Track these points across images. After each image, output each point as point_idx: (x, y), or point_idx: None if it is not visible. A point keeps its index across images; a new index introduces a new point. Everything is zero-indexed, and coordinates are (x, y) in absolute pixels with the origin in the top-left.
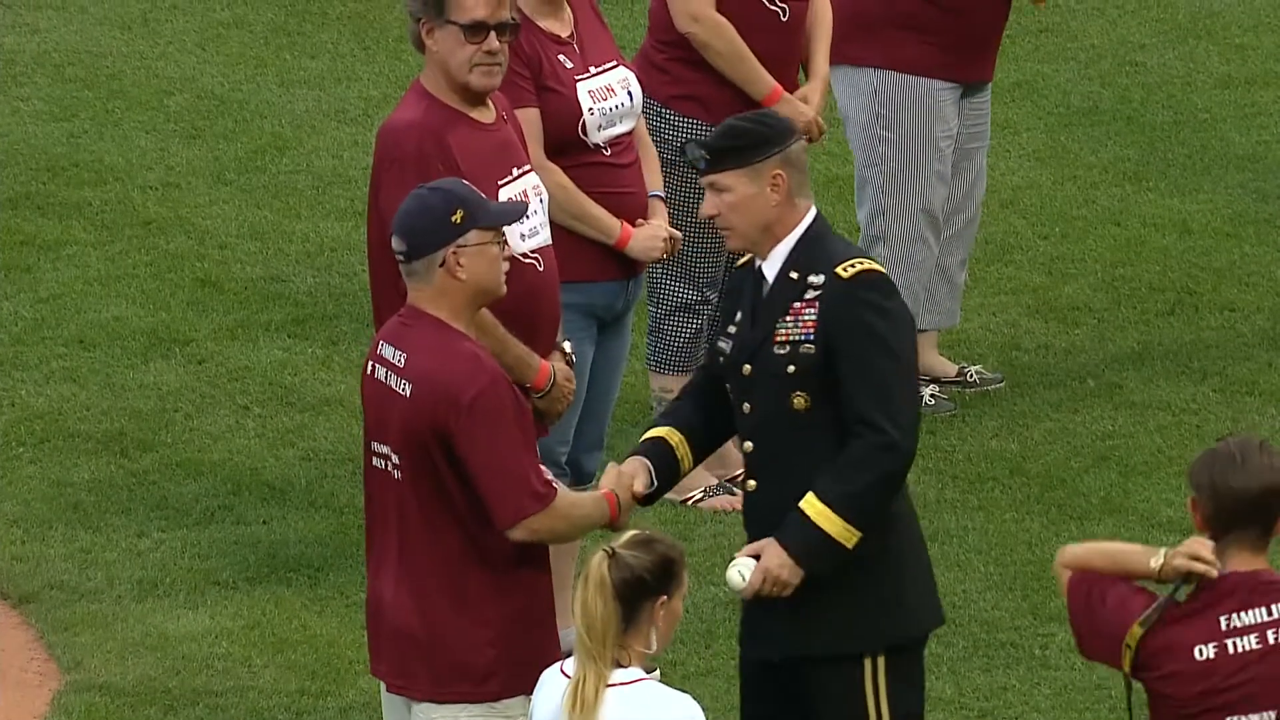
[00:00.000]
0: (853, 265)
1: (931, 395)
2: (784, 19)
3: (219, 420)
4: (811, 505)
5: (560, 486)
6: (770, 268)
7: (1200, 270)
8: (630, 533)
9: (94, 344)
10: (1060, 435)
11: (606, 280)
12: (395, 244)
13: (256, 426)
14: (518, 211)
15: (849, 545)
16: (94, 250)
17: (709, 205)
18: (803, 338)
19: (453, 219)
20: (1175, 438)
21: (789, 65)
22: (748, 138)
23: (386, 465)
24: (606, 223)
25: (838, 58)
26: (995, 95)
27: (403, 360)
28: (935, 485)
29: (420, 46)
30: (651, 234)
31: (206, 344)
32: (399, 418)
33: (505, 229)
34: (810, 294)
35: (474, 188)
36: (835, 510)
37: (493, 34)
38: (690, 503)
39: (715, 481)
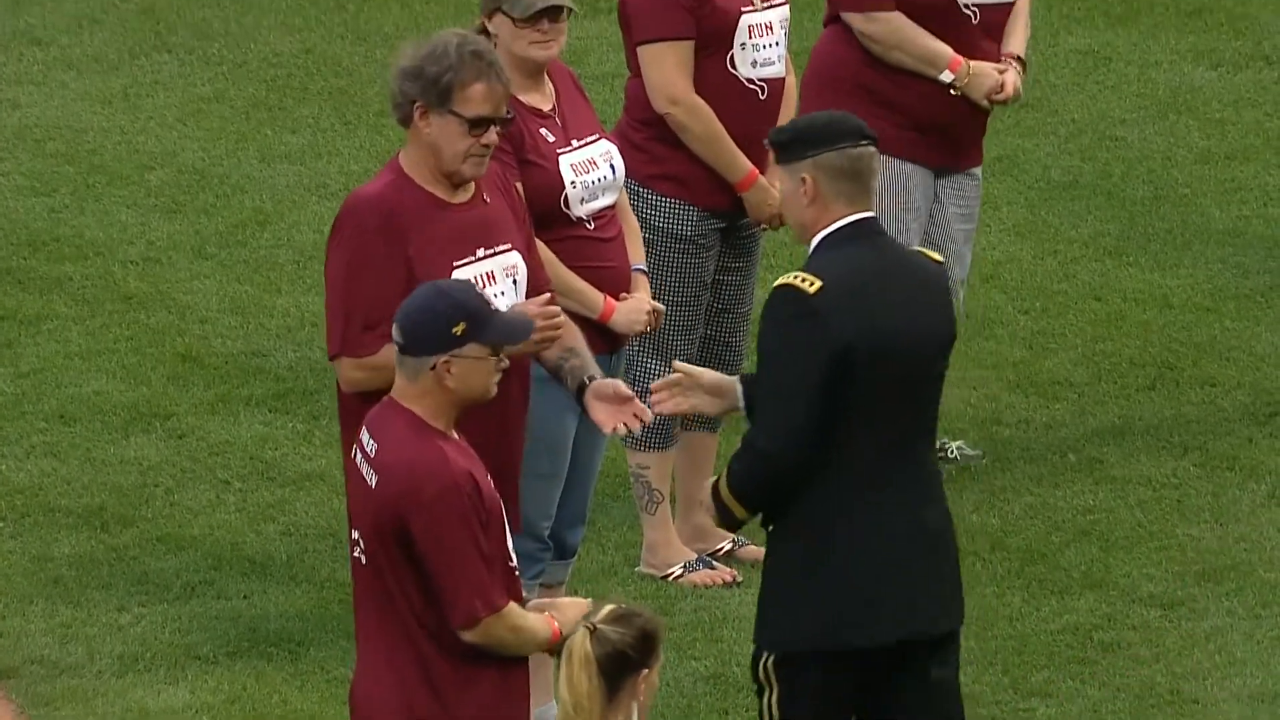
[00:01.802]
0: (783, 278)
1: (957, 448)
2: (762, 97)
3: (199, 495)
4: (722, 477)
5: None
6: None
7: (1181, 345)
8: (608, 607)
9: (74, 419)
10: (1041, 510)
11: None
12: (394, 332)
13: (237, 501)
14: (524, 332)
15: (737, 515)
16: (75, 325)
17: (779, 193)
18: None
19: (454, 330)
20: (1156, 512)
21: None
22: (785, 136)
23: (356, 551)
24: (589, 296)
25: None
26: None
27: (374, 450)
28: None
29: (406, 123)
30: (635, 307)
31: (187, 419)
32: (367, 507)
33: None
34: None
35: (486, 299)
36: (729, 478)
37: (493, 128)
38: (671, 578)
39: (695, 556)
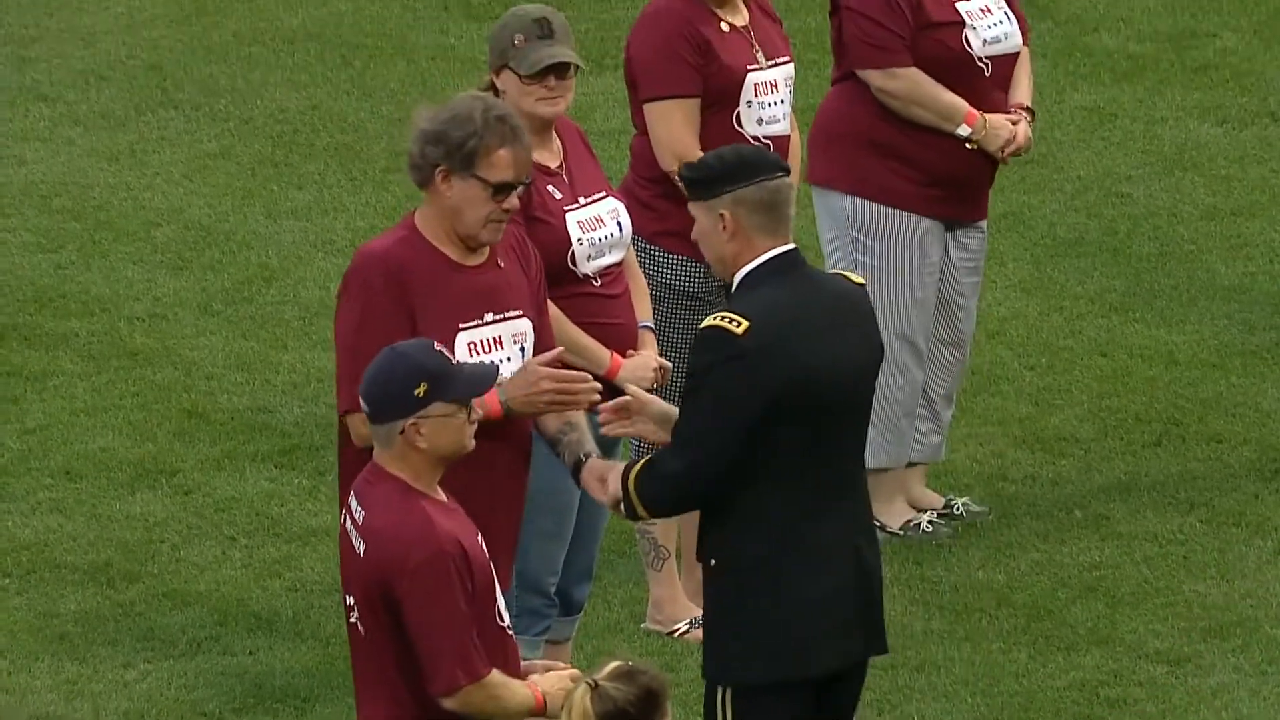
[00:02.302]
0: (710, 319)
1: (929, 521)
2: None
3: (205, 551)
4: (636, 467)
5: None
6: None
7: (1187, 401)
8: (613, 664)
9: (80, 475)
10: (1047, 566)
11: (595, 412)
12: (362, 403)
13: (243, 557)
14: (487, 382)
15: (636, 514)
16: (81, 381)
17: (693, 229)
18: None
19: (415, 392)
20: (1162, 569)
21: None
22: (703, 172)
23: (351, 617)
24: (596, 353)
25: (811, 177)
26: None
27: (362, 517)
28: (922, 616)
29: (424, 185)
30: (641, 364)
31: (193, 475)
32: (357, 573)
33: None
34: None
35: (446, 356)
36: (638, 487)
37: (514, 193)
38: (677, 635)
39: (700, 613)
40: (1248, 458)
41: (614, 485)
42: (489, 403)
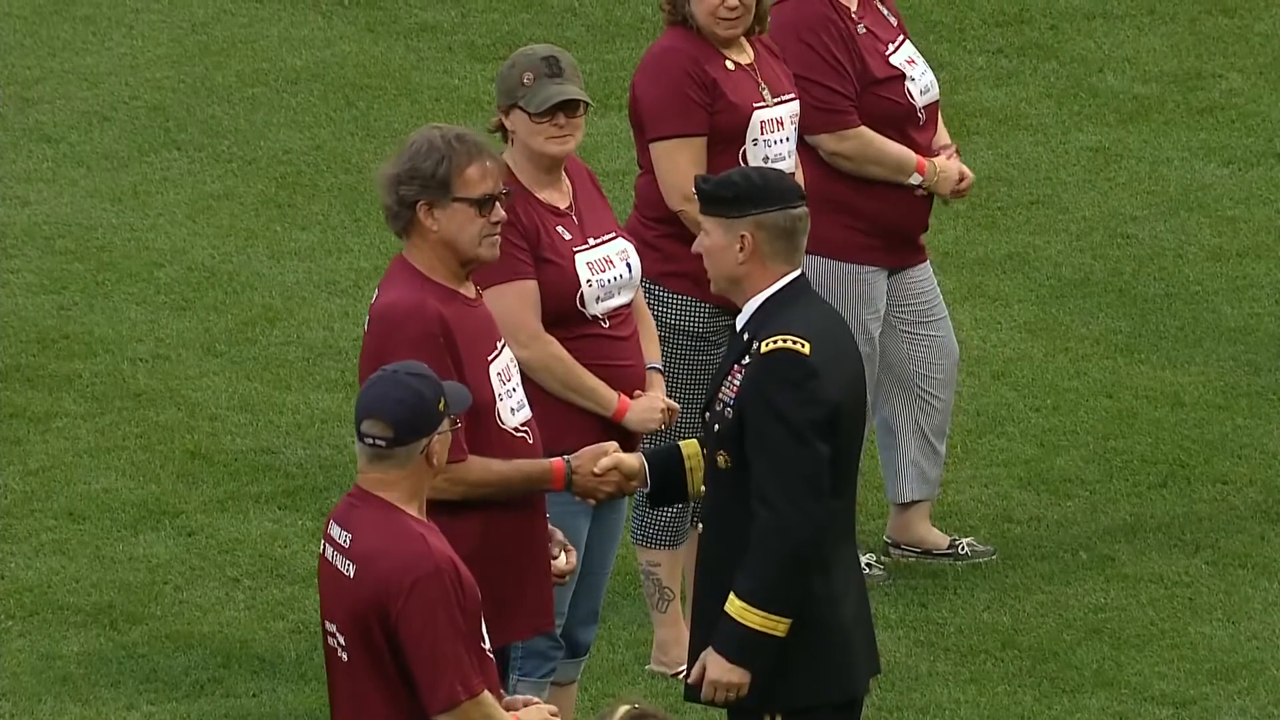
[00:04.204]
0: (774, 341)
1: (968, 544)
2: None
3: (209, 592)
4: (732, 604)
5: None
6: (739, 323)
7: (1193, 443)
8: (624, 708)
9: (84, 516)
10: (1052, 608)
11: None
12: (378, 429)
13: (246, 599)
14: (465, 397)
15: (779, 633)
16: (84, 422)
17: (696, 241)
18: (728, 401)
19: (439, 407)
20: (1168, 610)
21: None
22: (730, 190)
23: (334, 644)
24: (603, 395)
25: None
26: (988, 267)
27: (348, 541)
28: (927, 658)
29: (406, 231)
30: (649, 406)
31: (196, 516)
32: (344, 598)
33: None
34: (746, 359)
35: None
36: (753, 605)
37: (498, 204)
38: (682, 676)
39: None
40: (1254, 499)
41: (722, 675)
42: (555, 471)
